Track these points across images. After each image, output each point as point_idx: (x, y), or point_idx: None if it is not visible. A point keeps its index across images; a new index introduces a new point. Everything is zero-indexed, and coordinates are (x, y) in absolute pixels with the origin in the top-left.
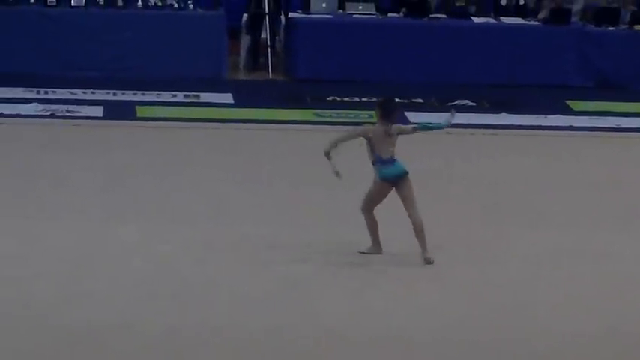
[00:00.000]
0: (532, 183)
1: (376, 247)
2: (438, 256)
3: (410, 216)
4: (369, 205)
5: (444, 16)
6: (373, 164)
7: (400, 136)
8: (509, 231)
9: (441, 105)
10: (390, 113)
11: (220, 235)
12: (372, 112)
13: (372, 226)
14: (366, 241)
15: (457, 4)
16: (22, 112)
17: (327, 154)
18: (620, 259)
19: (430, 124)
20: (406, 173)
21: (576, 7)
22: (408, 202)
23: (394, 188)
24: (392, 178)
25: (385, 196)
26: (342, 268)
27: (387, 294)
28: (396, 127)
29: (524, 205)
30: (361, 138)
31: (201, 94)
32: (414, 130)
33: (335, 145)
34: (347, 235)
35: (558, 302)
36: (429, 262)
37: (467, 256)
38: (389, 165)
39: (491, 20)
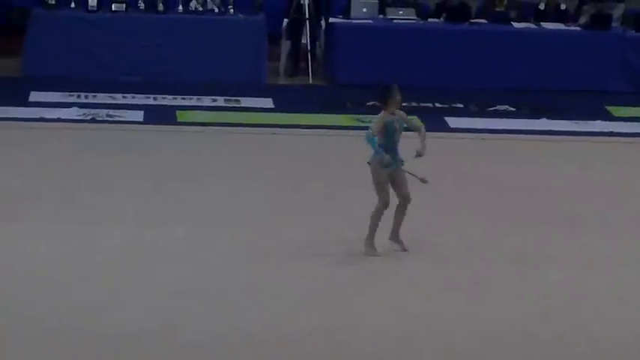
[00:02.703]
0: (572, 188)
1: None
2: (478, 260)
3: (402, 202)
4: (385, 197)
5: (484, 21)
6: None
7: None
8: (550, 236)
9: (481, 110)
10: (386, 99)
11: (261, 239)
12: (412, 117)
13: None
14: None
15: (497, 9)
16: (63, 117)
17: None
18: None
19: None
20: (402, 162)
21: (617, 12)
22: (401, 186)
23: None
24: (393, 165)
25: (387, 183)
26: (383, 272)
27: (429, 297)
28: (401, 115)
29: (565, 210)
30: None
31: (242, 99)
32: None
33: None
34: (384, 237)
35: (601, 308)
36: (405, 247)
37: (506, 261)
38: (394, 152)
39: (532, 25)
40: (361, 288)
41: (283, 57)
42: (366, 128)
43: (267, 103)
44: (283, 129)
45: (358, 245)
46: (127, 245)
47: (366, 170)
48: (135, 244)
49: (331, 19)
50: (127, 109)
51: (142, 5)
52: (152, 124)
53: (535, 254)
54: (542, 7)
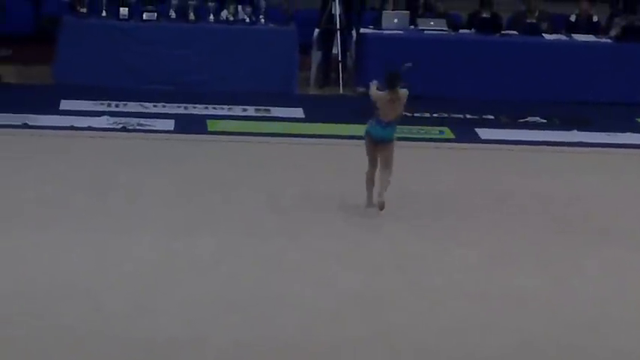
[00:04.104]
0: (602, 200)
1: (368, 201)
2: (508, 270)
3: (381, 172)
4: (369, 159)
5: (515, 32)
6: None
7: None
8: (580, 248)
9: (511, 122)
10: (394, 83)
11: (291, 250)
12: (443, 128)
13: (367, 181)
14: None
15: (529, 20)
16: (94, 125)
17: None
18: None
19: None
20: (391, 139)
21: None
22: (385, 162)
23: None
24: (376, 137)
25: (372, 151)
26: (413, 285)
27: (459, 311)
28: (404, 94)
29: (595, 222)
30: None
31: (272, 109)
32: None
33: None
34: (416, 248)
35: (629, 321)
36: (382, 207)
37: (537, 271)
38: (381, 126)
39: (563, 37)
40: (391, 300)
41: (314, 67)
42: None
43: (298, 112)
44: (313, 139)
45: (388, 257)
46: (157, 254)
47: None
48: (165, 253)
49: (362, 30)
50: (158, 118)
51: (173, 14)
52: (183, 133)
53: (565, 265)
54: (573, 18)
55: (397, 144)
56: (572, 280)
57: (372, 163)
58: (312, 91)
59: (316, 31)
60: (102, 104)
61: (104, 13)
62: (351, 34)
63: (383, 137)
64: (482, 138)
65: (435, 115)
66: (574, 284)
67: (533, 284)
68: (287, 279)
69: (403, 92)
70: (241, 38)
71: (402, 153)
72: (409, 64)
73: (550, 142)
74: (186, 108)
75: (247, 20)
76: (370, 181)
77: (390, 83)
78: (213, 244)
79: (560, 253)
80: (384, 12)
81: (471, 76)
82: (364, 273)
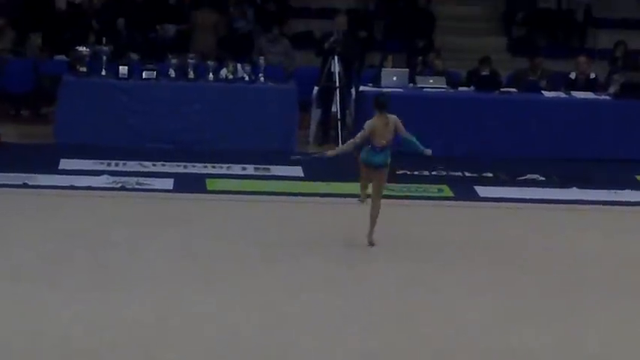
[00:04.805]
0: (604, 258)
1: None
2: (510, 327)
3: (372, 201)
4: (361, 180)
5: (514, 90)
6: (362, 149)
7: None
8: (583, 306)
9: (510, 179)
10: (383, 105)
11: (292, 306)
12: (442, 186)
13: (362, 185)
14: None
15: (531, 77)
16: (93, 185)
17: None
18: None
19: (415, 143)
20: (385, 165)
21: None
22: (375, 190)
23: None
24: (373, 164)
25: (368, 175)
26: (415, 340)
27: None
28: (393, 118)
29: (597, 280)
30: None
31: (272, 167)
32: (405, 134)
33: (353, 148)
34: (418, 305)
35: None
36: (371, 244)
37: (540, 329)
38: (375, 152)
39: (562, 94)
40: (394, 357)
41: (313, 125)
42: (395, 197)
43: (297, 171)
44: (313, 197)
45: (390, 314)
46: (158, 311)
47: (398, 238)
48: (166, 311)
49: (362, 88)
50: (157, 177)
51: (172, 73)
52: (182, 192)
53: (569, 323)
54: (573, 76)
55: (394, 203)
56: (576, 338)
57: (366, 182)
58: (312, 149)
59: (315, 88)
60: (101, 163)
61: (104, 72)
62: (350, 91)
63: (379, 163)
64: (481, 196)
65: (433, 172)
66: (578, 343)
67: (537, 342)
68: (289, 336)
69: (392, 117)
70: (241, 96)
71: (401, 210)
72: (429, 151)
73: (549, 199)
74: (185, 167)
75: (247, 78)
76: (365, 185)
77: (378, 107)
78: (214, 300)
79: (564, 311)
80: (383, 69)
81: (471, 133)
82: (367, 330)
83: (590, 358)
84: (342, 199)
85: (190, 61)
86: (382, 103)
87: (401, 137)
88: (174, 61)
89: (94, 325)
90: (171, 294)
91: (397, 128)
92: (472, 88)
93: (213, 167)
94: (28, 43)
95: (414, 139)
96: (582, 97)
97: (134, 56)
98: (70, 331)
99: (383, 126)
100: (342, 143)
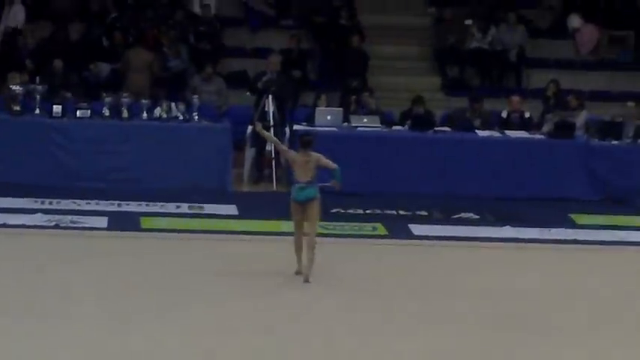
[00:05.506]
0: (538, 297)
1: (299, 266)
2: None
3: (308, 234)
4: (295, 223)
5: (448, 129)
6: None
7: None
8: (517, 345)
9: (445, 218)
10: (308, 144)
11: (226, 347)
12: (376, 224)
13: (297, 247)
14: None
15: (469, 115)
16: (27, 223)
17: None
18: None
19: (337, 173)
20: (314, 198)
21: (580, 120)
22: (310, 221)
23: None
24: (300, 200)
25: (300, 213)
26: None
27: None
28: (316, 156)
29: (531, 318)
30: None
31: (206, 206)
32: (331, 166)
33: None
34: (352, 344)
35: None
36: (306, 280)
37: None
38: (302, 188)
39: (496, 133)
40: None
41: (248, 164)
42: (330, 235)
43: (231, 209)
44: (247, 235)
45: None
46: (90, 350)
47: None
48: (98, 350)
49: (295, 126)
50: (91, 215)
51: (106, 112)
52: (116, 230)
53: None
54: (504, 115)
55: (329, 241)
56: None
57: (299, 227)
58: (246, 187)
59: (249, 127)
60: (35, 202)
61: (37, 111)
62: (284, 130)
63: (307, 197)
64: (416, 234)
65: (367, 211)
66: None
67: None
68: None
69: (315, 155)
70: (175, 135)
71: (335, 250)
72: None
73: (483, 237)
74: (119, 205)
75: (181, 117)
76: (299, 248)
77: (302, 144)
78: (146, 340)
79: (497, 350)
80: (317, 109)
81: (405, 172)
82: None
83: None
84: (275, 237)
85: (124, 100)
86: (306, 142)
87: (330, 171)
88: (108, 99)
89: None
90: (104, 334)
91: (321, 165)
92: (406, 127)
93: (147, 205)
94: None
95: (337, 171)
96: (516, 136)
97: (68, 95)
98: None
99: (303, 162)
100: (277, 182)
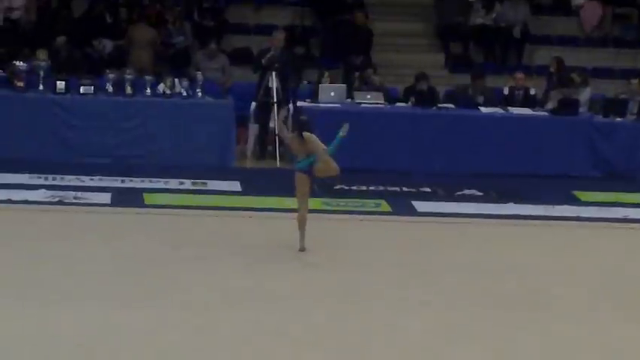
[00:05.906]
0: (540, 274)
1: (302, 242)
2: (445, 346)
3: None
4: (299, 197)
5: (452, 106)
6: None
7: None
8: (517, 322)
9: (448, 195)
10: (300, 128)
11: (228, 322)
12: (379, 201)
13: (301, 223)
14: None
15: (470, 92)
16: (30, 199)
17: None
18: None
19: (333, 144)
20: (302, 170)
21: (584, 97)
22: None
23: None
24: (304, 168)
25: (306, 185)
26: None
27: None
28: (309, 137)
29: (533, 295)
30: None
31: (209, 182)
32: (325, 151)
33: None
34: (354, 324)
35: None
36: (302, 249)
37: (474, 346)
38: (302, 159)
39: (499, 110)
40: None
41: (251, 140)
42: (333, 212)
43: (235, 186)
44: (250, 212)
45: (328, 334)
46: (93, 327)
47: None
48: (101, 326)
49: (299, 103)
50: (95, 191)
51: (110, 88)
52: (119, 206)
53: (502, 340)
54: (506, 91)
55: (332, 217)
56: (510, 355)
57: (304, 202)
58: (250, 164)
59: (253, 104)
60: (39, 177)
61: (41, 87)
62: (288, 107)
63: (312, 163)
64: (419, 211)
65: (371, 187)
66: (507, 357)
67: (469, 358)
68: (224, 354)
69: (308, 137)
70: (178, 111)
71: (338, 226)
72: (346, 127)
73: (486, 214)
74: (123, 181)
75: (184, 94)
76: (304, 223)
77: (299, 129)
78: (150, 317)
79: (498, 327)
80: (320, 85)
81: (408, 148)
82: (302, 348)
83: None
84: (278, 214)
85: (128, 76)
86: (300, 128)
87: (333, 144)
88: (111, 76)
89: (26, 341)
90: (106, 310)
91: (314, 146)
92: (410, 104)
93: (151, 182)
94: None
95: (336, 142)
96: (519, 113)
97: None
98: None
99: (297, 145)
100: (280, 159)
